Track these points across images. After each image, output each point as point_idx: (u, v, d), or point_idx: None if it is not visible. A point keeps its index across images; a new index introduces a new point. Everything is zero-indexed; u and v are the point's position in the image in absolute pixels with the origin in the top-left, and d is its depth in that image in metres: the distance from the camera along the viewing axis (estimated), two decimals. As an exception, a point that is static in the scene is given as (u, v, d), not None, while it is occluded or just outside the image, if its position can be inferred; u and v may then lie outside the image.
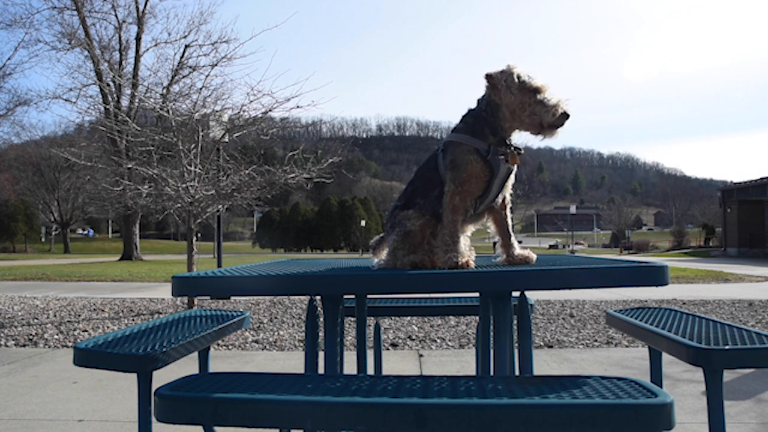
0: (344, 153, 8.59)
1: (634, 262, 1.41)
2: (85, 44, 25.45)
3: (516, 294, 2.20)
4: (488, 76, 1.62)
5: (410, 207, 1.70)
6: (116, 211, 24.46)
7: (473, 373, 3.55)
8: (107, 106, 14.80)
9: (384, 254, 1.76)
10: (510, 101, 1.59)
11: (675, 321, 2.16)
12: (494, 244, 2.17)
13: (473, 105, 1.72)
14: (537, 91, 1.58)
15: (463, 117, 1.70)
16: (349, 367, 3.08)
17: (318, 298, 2.05)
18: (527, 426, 1.11)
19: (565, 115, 1.56)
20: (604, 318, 2.70)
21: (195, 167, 7.02)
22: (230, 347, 4.82)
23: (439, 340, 5.00)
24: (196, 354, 2.17)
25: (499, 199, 1.71)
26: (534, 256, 1.72)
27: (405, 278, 1.46)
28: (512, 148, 1.64)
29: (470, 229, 1.75)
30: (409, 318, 6.02)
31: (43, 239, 61.32)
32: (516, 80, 1.59)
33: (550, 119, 1.56)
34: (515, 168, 1.66)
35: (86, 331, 5.65)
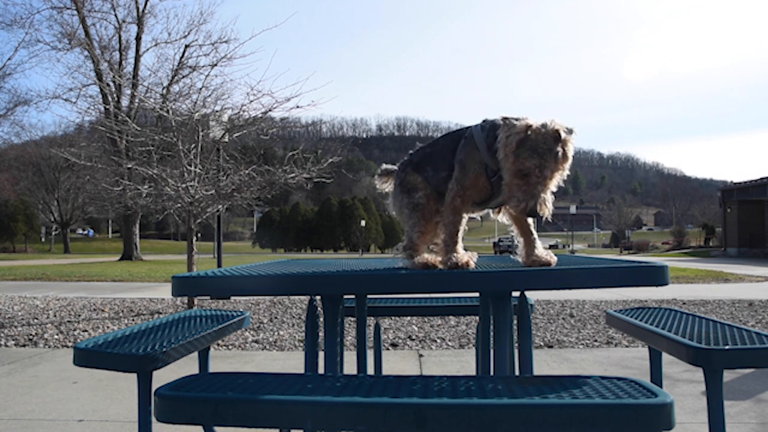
0: (344, 153, 8.60)
1: (634, 262, 1.41)
2: (85, 44, 25.46)
3: (516, 294, 2.20)
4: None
5: (420, 171, 1.70)
6: (116, 211, 24.49)
7: (473, 373, 3.55)
8: (107, 106, 14.79)
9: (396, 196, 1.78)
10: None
11: (675, 321, 2.16)
12: (494, 243, 2.18)
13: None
14: None
15: (492, 121, 1.58)
16: (349, 367, 3.08)
17: (318, 298, 2.05)
18: (527, 426, 1.11)
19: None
20: (604, 318, 2.70)
21: (195, 167, 7.02)
22: (230, 347, 4.82)
23: (439, 340, 5.00)
24: (196, 354, 2.17)
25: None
26: (555, 259, 1.63)
27: (405, 278, 1.46)
28: None
29: (478, 214, 1.73)
30: (409, 318, 6.02)
31: (43, 239, 61.33)
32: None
33: None
34: None
35: (86, 331, 5.65)
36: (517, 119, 1.48)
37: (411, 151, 1.78)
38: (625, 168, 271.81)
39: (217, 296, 7.54)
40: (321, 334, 1.96)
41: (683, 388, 3.31)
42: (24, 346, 4.95)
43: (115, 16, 26.89)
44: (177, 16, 69.43)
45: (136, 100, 13.38)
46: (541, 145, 1.45)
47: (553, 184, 1.50)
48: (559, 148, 1.46)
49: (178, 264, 21.70)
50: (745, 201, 31.94)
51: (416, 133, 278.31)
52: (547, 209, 1.48)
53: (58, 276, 14.28)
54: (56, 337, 5.31)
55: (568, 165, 1.51)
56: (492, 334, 1.79)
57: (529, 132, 1.45)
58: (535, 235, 1.66)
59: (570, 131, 1.48)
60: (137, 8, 26.71)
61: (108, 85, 21.71)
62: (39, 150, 45.04)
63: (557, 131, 1.46)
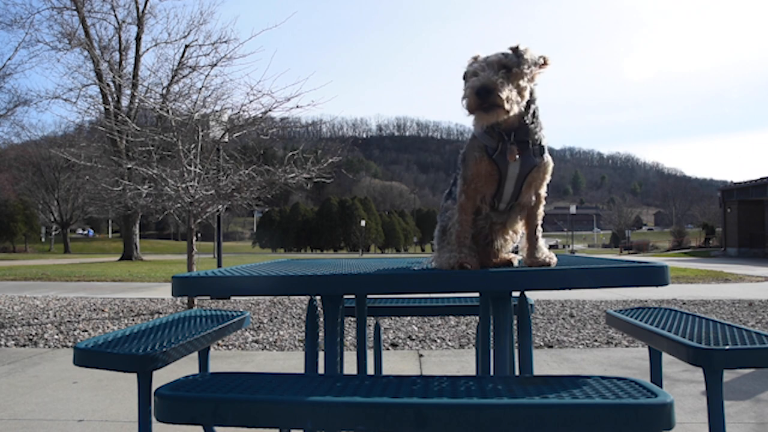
0: (344, 153, 8.59)
1: (634, 262, 1.41)
2: (85, 44, 25.45)
3: (516, 294, 2.20)
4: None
5: (455, 183, 1.68)
6: (116, 211, 24.46)
7: (473, 373, 3.55)
8: (107, 107, 14.82)
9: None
10: None
11: (675, 321, 2.16)
12: None
13: None
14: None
15: None
16: (349, 367, 3.08)
17: (318, 298, 2.05)
18: (527, 426, 1.11)
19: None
20: (604, 318, 2.70)
21: (195, 167, 7.02)
22: (230, 347, 4.82)
23: (439, 340, 5.00)
24: (196, 354, 2.17)
25: (526, 198, 1.60)
26: (555, 259, 1.61)
27: (405, 278, 1.45)
28: (510, 143, 1.51)
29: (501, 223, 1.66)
30: (409, 318, 6.02)
31: (43, 239, 61.29)
32: None
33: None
34: (520, 164, 1.51)
35: (86, 331, 5.65)
36: None
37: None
38: (625, 168, 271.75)
39: (217, 296, 7.54)
40: (321, 334, 1.96)
41: (683, 388, 3.31)
42: (24, 346, 4.95)
43: (115, 16, 26.91)
44: (177, 17, 69.65)
45: (136, 100, 13.39)
46: (493, 56, 1.48)
47: (519, 81, 1.46)
48: (519, 55, 1.48)
49: (178, 264, 21.70)
50: (745, 201, 31.93)
51: (416, 133, 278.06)
52: (508, 98, 1.41)
53: (58, 276, 14.28)
54: (56, 337, 5.31)
55: (534, 61, 1.49)
56: (492, 334, 1.79)
57: (476, 58, 1.51)
58: (540, 235, 1.62)
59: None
60: (137, 8, 26.70)
61: (108, 85, 21.72)
62: (39, 150, 44.95)
63: (514, 45, 1.49)
